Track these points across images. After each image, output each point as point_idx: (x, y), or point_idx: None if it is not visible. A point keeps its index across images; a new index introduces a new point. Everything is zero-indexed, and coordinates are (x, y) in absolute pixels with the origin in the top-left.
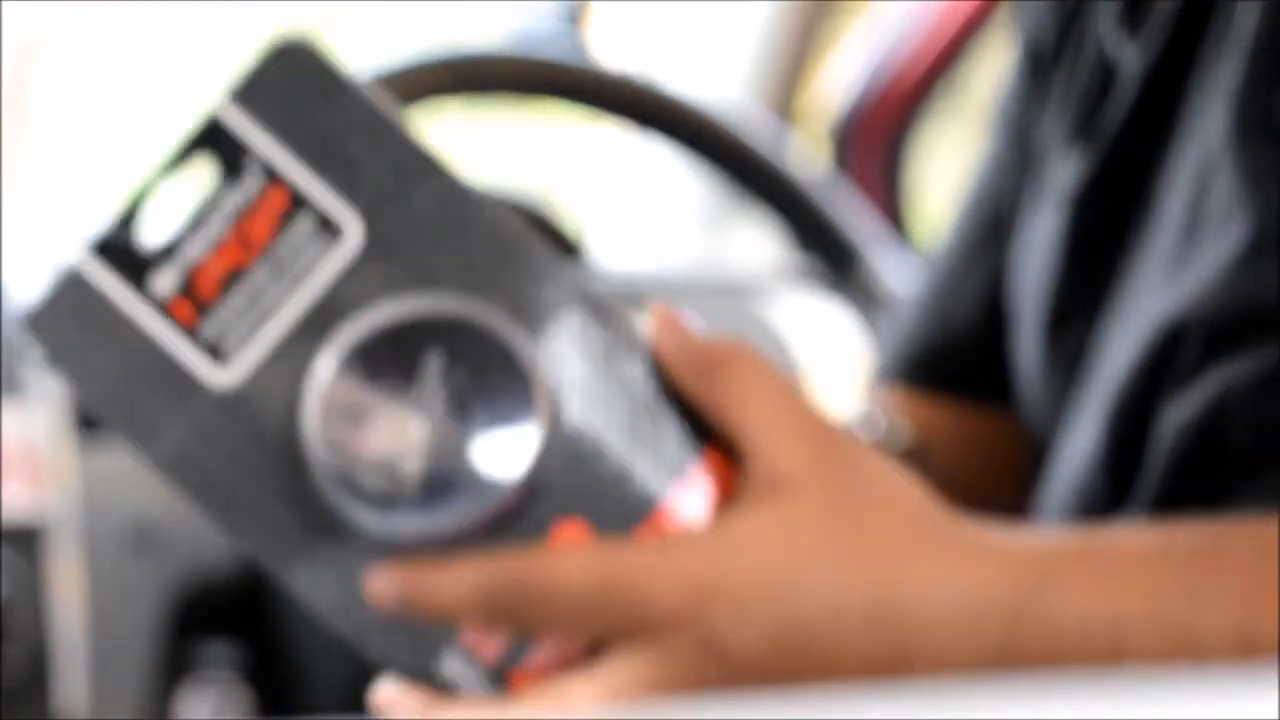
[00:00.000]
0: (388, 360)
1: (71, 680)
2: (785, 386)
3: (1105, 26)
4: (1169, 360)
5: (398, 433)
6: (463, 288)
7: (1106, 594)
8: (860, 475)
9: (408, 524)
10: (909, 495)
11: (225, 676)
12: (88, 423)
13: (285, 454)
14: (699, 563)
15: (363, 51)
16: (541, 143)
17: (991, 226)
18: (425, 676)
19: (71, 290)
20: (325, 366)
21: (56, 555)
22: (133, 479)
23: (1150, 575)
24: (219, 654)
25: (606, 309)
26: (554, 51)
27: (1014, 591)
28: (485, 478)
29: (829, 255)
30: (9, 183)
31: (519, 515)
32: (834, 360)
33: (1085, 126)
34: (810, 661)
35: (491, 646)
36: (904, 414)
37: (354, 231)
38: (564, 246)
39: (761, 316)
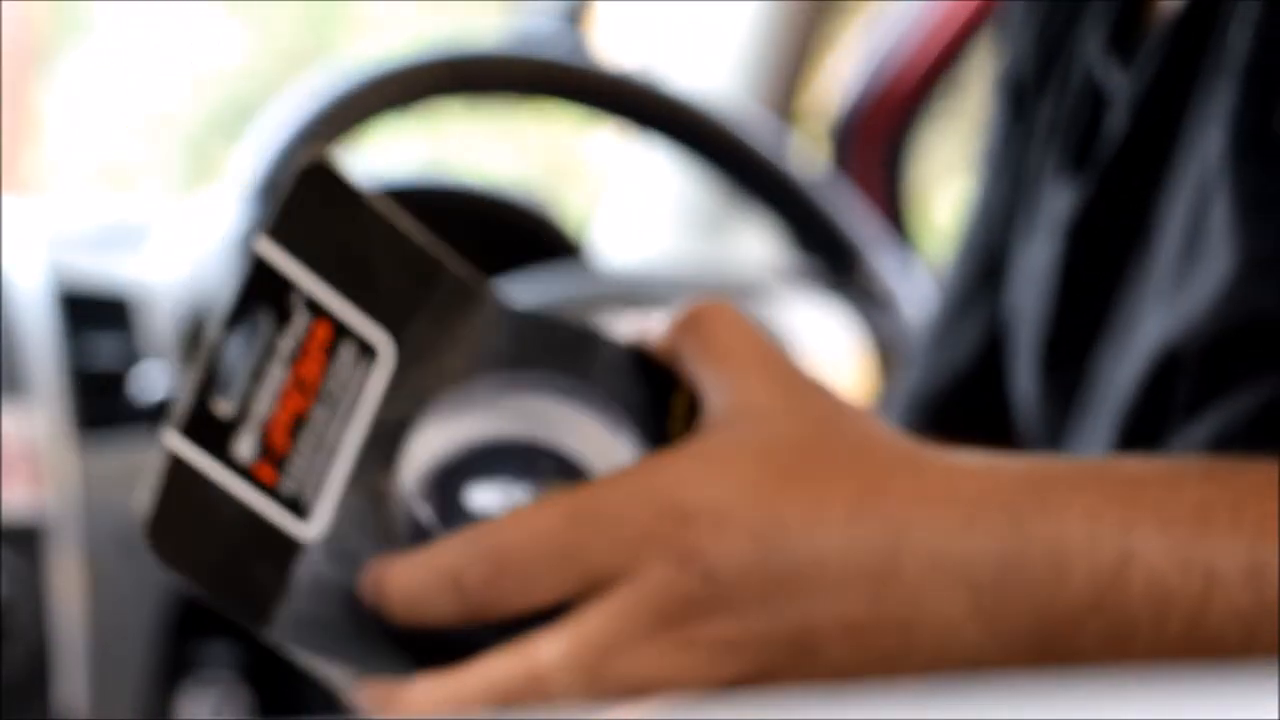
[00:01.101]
0: (456, 486)
1: (71, 680)
2: (756, 334)
3: (1093, 54)
4: (1169, 389)
5: None
6: (494, 385)
7: (1114, 509)
8: (834, 410)
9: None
10: (887, 430)
11: (225, 676)
12: (89, 423)
13: None
14: (671, 481)
15: (363, 54)
16: (541, 143)
17: (986, 269)
18: None
19: (173, 479)
20: (405, 488)
21: (57, 555)
22: (133, 479)
23: (1161, 495)
24: (219, 654)
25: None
26: (554, 51)
27: (1015, 498)
28: None
29: (829, 255)
30: (10, 181)
31: None
32: (834, 360)
33: (1078, 155)
34: (795, 570)
35: None
36: None
37: (386, 350)
38: (564, 247)
39: (761, 317)
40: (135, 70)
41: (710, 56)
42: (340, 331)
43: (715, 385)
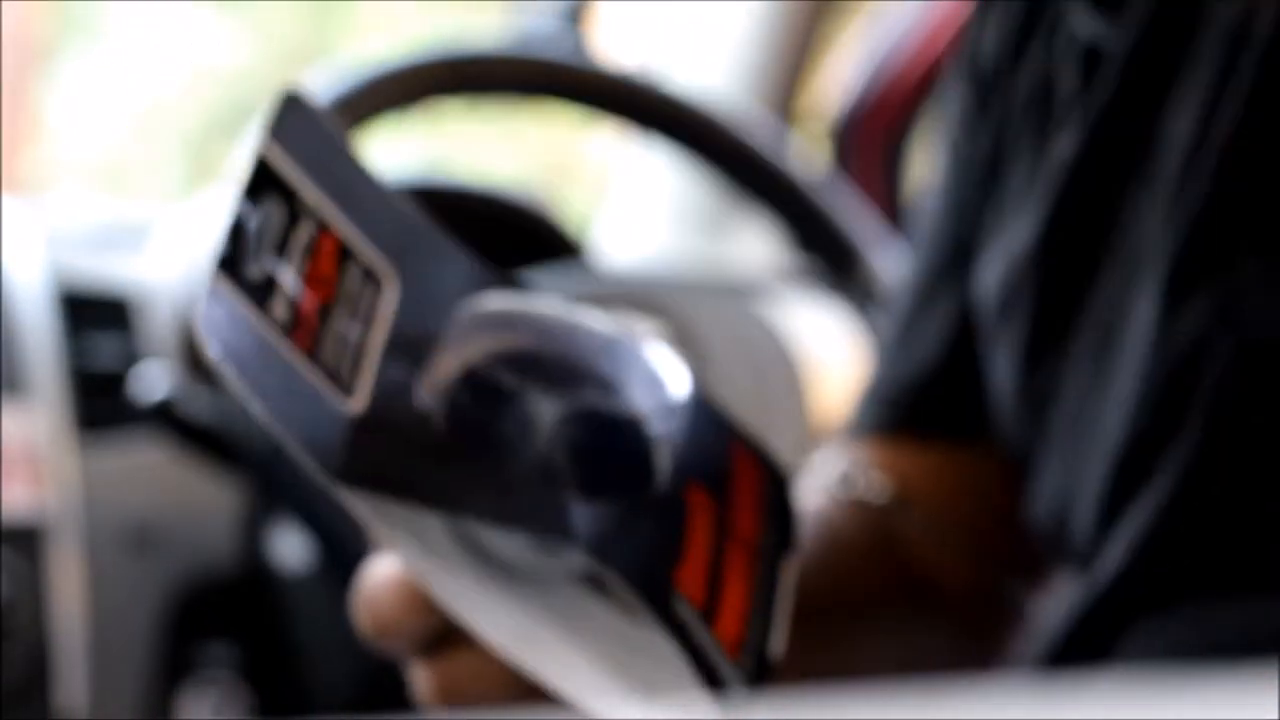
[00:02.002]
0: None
1: (71, 680)
2: None
3: (1078, 16)
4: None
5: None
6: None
7: None
8: None
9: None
10: None
11: (225, 676)
12: (89, 423)
13: (437, 451)
14: None
15: (363, 54)
16: (542, 142)
17: (953, 261)
18: (664, 613)
19: (220, 306)
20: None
21: (56, 555)
22: (133, 479)
23: None
24: (219, 654)
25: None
26: (554, 51)
27: None
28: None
29: (829, 255)
30: (10, 181)
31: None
32: (834, 361)
33: (1065, 113)
34: None
35: (700, 600)
36: (882, 465)
37: (391, 280)
38: (564, 247)
39: (763, 315)
40: (135, 71)
41: (710, 57)
42: (346, 250)
43: None
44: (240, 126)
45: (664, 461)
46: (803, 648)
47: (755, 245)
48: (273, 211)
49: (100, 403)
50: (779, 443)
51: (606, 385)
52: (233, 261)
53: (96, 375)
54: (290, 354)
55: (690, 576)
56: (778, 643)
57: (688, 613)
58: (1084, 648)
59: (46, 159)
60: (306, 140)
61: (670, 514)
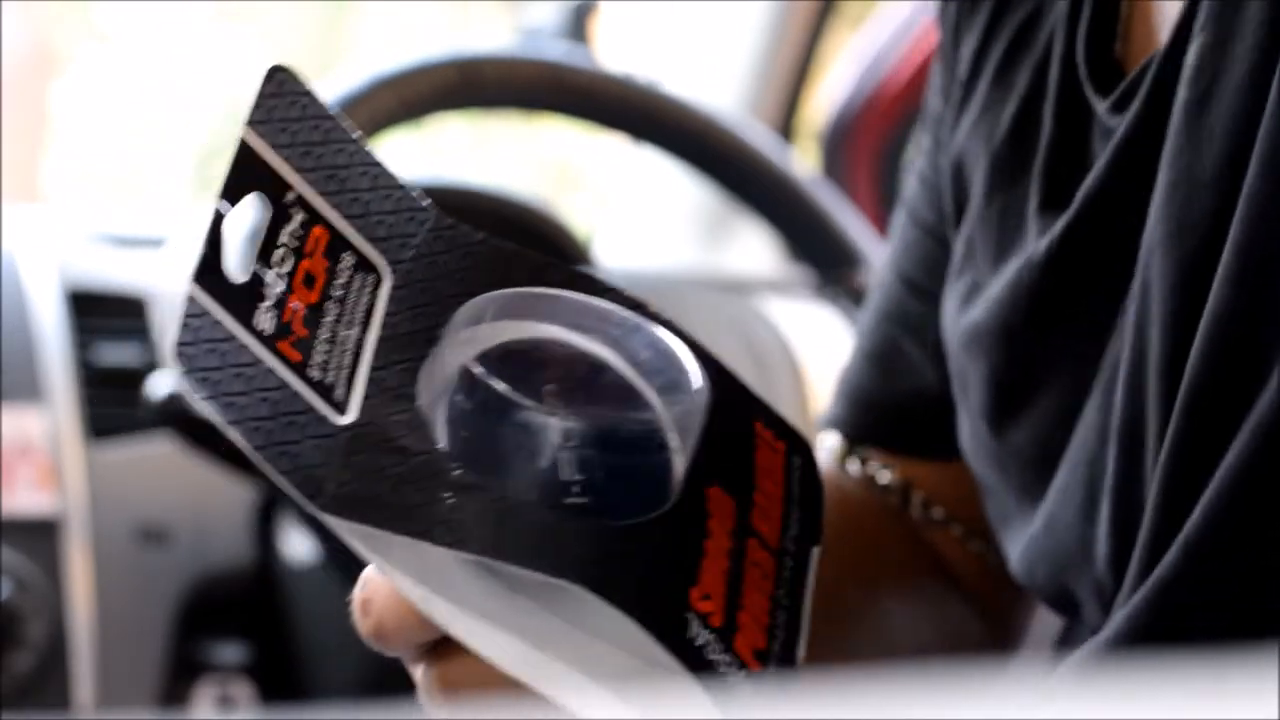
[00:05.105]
0: (505, 374)
1: (79, 678)
2: None
3: (1070, 81)
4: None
5: (540, 433)
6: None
7: None
8: None
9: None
10: None
11: (234, 671)
12: (103, 424)
13: (435, 465)
14: None
15: (366, 53)
16: (547, 147)
17: (934, 257)
18: (675, 637)
19: (201, 323)
20: (451, 372)
21: (68, 552)
22: (144, 477)
23: None
24: (228, 649)
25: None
26: (564, 68)
27: None
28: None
29: (829, 261)
30: (27, 187)
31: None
32: (830, 366)
33: (1055, 190)
34: None
35: (717, 616)
36: (879, 458)
37: (385, 271)
38: (569, 251)
39: (762, 310)
40: (149, 79)
41: (711, 74)
42: (338, 241)
43: None
44: None
45: (680, 473)
46: (827, 621)
47: (759, 250)
48: (257, 205)
49: (115, 404)
50: None
51: (622, 388)
52: (212, 269)
53: (112, 377)
54: (277, 368)
55: (707, 591)
56: (802, 647)
57: (704, 633)
58: None
59: (62, 166)
60: (294, 122)
61: (686, 526)
